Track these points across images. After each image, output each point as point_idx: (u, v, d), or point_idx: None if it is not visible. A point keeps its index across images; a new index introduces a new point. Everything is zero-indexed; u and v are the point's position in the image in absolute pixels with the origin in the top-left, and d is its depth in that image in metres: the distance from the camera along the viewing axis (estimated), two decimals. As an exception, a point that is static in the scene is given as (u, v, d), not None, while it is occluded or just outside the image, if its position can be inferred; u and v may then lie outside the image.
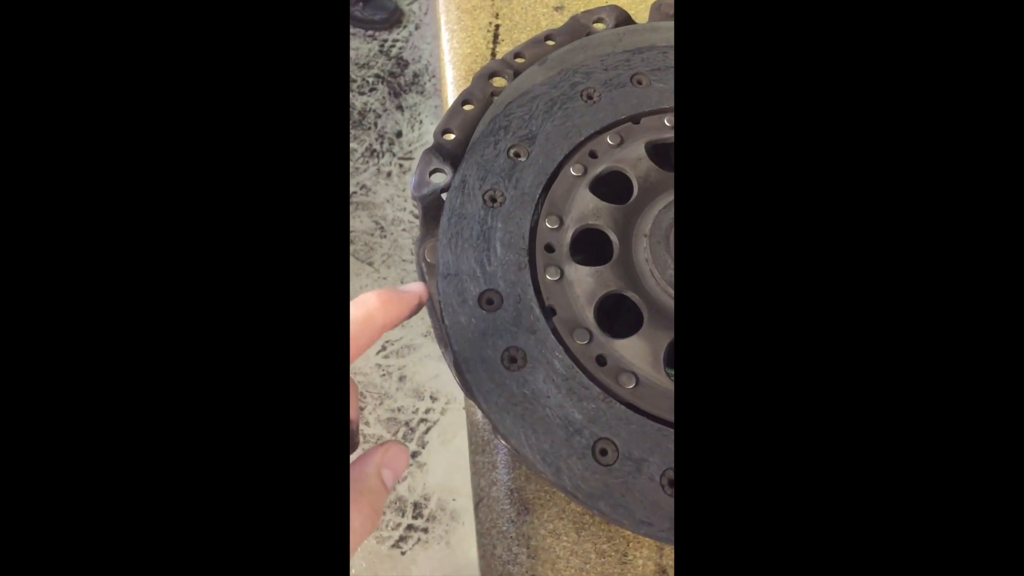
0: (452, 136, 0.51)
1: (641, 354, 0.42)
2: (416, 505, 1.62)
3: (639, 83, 0.50)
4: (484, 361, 0.41)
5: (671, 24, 0.55)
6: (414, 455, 1.68)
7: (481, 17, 0.67)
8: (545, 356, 0.42)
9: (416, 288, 0.37)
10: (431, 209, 0.48)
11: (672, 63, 0.51)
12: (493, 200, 0.46)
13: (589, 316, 0.43)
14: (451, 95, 0.65)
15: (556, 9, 0.68)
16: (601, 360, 0.42)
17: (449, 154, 0.50)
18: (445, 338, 0.43)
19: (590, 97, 0.50)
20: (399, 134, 2.16)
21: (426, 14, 2.42)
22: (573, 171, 0.47)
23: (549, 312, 0.43)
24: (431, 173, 0.50)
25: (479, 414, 0.49)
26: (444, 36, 0.67)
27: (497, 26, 0.67)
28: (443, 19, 0.68)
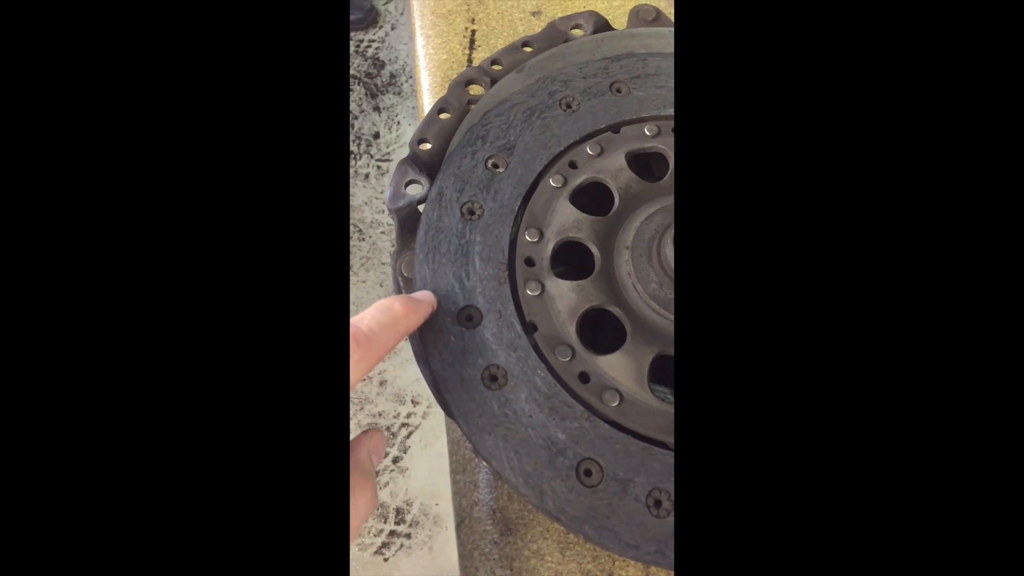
0: (428, 146, 0.50)
1: (625, 370, 0.41)
2: (399, 511, 1.60)
3: (618, 91, 0.50)
4: (464, 380, 0.40)
5: (650, 30, 0.54)
6: (396, 460, 1.67)
7: (457, 22, 0.66)
8: (527, 374, 0.40)
9: (428, 297, 0.41)
10: (407, 221, 0.47)
11: (651, 71, 0.51)
12: (471, 213, 0.45)
13: (571, 332, 0.42)
14: (427, 102, 0.64)
15: (533, 14, 0.67)
16: (584, 377, 0.41)
17: (425, 164, 0.48)
18: (423, 355, 0.42)
19: (569, 106, 0.49)
20: (376, 135, 2.14)
21: (402, 14, 2.39)
22: (553, 182, 0.46)
23: (530, 328, 0.42)
24: (407, 184, 0.49)
25: (459, 432, 0.48)
26: (419, 42, 0.66)
27: (473, 31, 0.65)
28: (418, 24, 0.67)
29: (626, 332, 0.42)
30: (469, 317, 0.42)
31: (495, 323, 0.42)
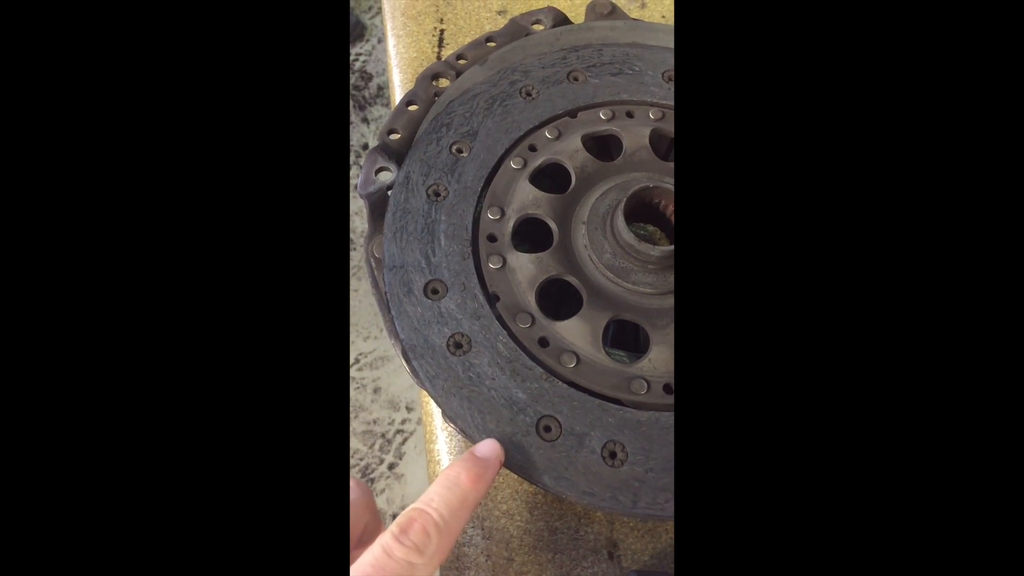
0: (397, 135, 0.53)
1: (581, 334, 0.44)
2: (396, 517, 1.62)
3: (575, 80, 0.53)
4: (431, 348, 0.43)
5: (606, 23, 0.58)
6: (391, 467, 1.67)
7: (426, 23, 0.69)
8: (489, 340, 0.43)
9: (493, 452, 0.38)
10: (378, 207, 0.50)
11: (606, 59, 0.54)
12: (437, 194, 0.48)
13: (531, 301, 0.45)
14: (398, 94, 0.67)
15: (499, 13, 0.70)
16: (543, 342, 0.44)
17: (394, 152, 0.51)
18: (393, 329, 0.44)
19: (529, 94, 0.52)
20: (365, 147, 2.17)
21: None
22: (513, 164, 0.49)
23: (493, 298, 0.45)
24: (377, 171, 0.52)
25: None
26: (391, 42, 0.69)
27: (442, 31, 0.68)
28: (389, 26, 0.70)
29: (582, 300, 0.45)
30: (435, 290, 0.45)
31: (459, 294, 0.44)
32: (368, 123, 2.25)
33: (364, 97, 2.28)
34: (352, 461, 1.58)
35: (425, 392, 0.44)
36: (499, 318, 0.44)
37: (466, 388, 0.42)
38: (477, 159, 0.49)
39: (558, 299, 0.48)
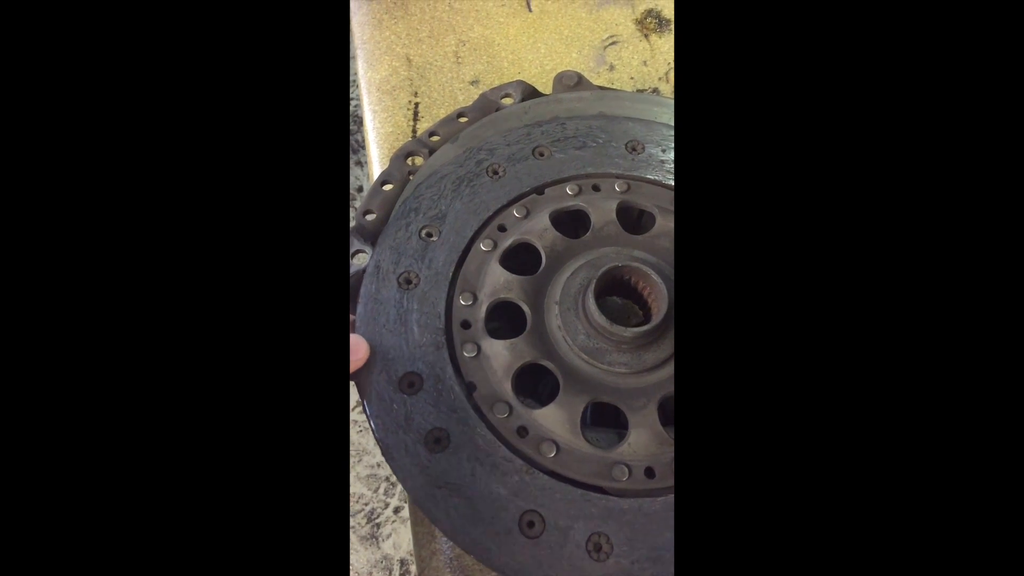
0: (373, 215, 0.53)
1: (560, 421, 0.43)
2: (403, 562, 1.57)
3: (540, 155, 0.53)
4: (407, 447, 0.42)
5: (572, 95, 0.58)
6: (396, 511, 1.64)
7: (401, 96, 0.70)
8: (468, 434, 0.43)
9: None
10: (354, 291, 0.49)
11: (570, 133, 0.54)
12: (408, 282, 0.48)
13: (507, 388, 0.44)
14: (376, 170, 0.67)
15: (472, 83, 0.71)
16: (522, 431, 0.43)
17: (371, 234, 0.51)
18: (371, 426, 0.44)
19: (495, 172, 0.52)
20: (360, 189, 2.21)
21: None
22: (483, 246, 0.49)
23: (470, 388, 0.44)
24: (353, 254, 0.52)
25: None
26: (368, 117, 0.70)
27: (416, 104, 0.69)
28: (366, 100, 0.71)
29: (559, 384, 0.44)
30: (411, 384, 0.44)
31: (435, 387, 0.44)
32: (362, 166, 2.28)
33: (357, 141, 2.32)
34: (357, 506, 1.55)
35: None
36: (476, 409, 0.44)
37: (445, 487, 0.41)
38: (447, 243, 0.49)
39: (533, 380, 0.48)
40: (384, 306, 0.47)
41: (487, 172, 0.52)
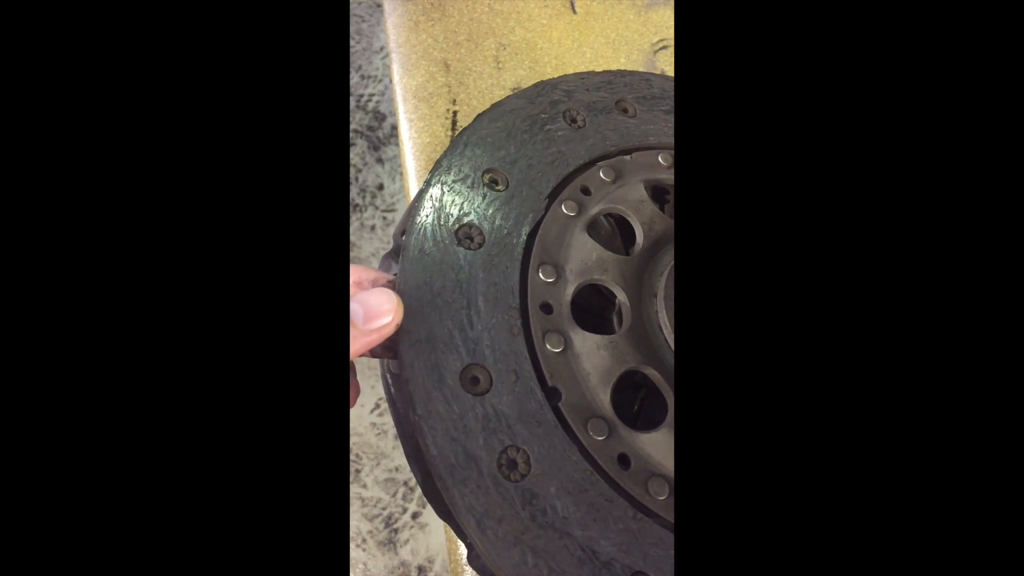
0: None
1: (671, 450, 0.32)
2: (420, 569, 1.44)
3: (625, 111, 0.42)
4: (475, 467, 0.29)
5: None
6: (415, 516, 1.48)
7: (438, 104, 0.59)
8: (554, 457, 0.30)
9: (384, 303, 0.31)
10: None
11: (656, 92, 0.44)
12: (469, 238, 0.34)
13: (605, 401, 0.32)
14: (413, 186, 0.57)
15: (513, 90, 0.60)
16: (624, 460, 0.32)
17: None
18: (411, 436, 0.30)
19: (574, 120, 0.40)
20: (380, 187, 2.05)
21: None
22: (566, 209, 0.37)
23: (554, 394, 0.32)
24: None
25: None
26: (403, 127, 0.59)
27: (455, 112, 0.59)
28: (401, 109, 0.60)
29: (666, 402, 0.34)
30: (475, 379, 0.31)
31: (510, 388, 0.31)
32: (383, 163, 2.14)
33: (378, 137, 2.16)
34: (375, 511, 1.46)
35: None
36: (564, 423, 0.31)
37: (529, 532, 0.29)
38: (519, 196, 0.36)
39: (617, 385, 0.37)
40: (438, 265, 0.33)
41: (564, 117, 0.40)
